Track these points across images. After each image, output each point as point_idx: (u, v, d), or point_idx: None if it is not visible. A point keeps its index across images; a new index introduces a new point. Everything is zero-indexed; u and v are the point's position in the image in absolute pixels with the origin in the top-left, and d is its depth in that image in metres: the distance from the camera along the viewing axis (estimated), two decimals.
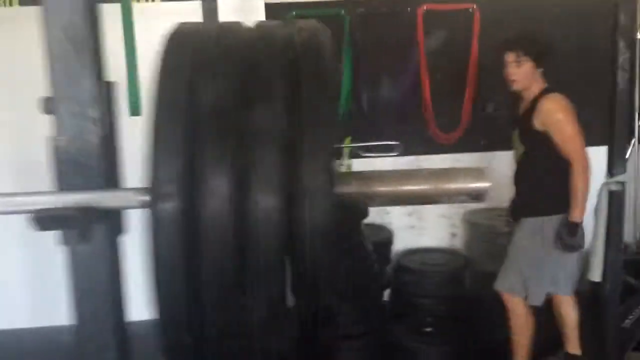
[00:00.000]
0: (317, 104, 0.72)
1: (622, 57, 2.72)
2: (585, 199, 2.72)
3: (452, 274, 3.76)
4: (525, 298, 2.92)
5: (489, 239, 3.83)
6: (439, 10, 3.80)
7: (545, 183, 2.82)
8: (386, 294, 3.87)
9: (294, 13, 3.75)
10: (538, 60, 2.78)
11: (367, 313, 3.46)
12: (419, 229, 4.12)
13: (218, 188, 0.69)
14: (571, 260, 2.85)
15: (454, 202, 0.97)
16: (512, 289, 2.92)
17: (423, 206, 4.11)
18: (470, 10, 3.79)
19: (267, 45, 0.78)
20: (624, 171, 2.78)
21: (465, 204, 4.03)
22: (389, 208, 4.09)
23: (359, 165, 3.90)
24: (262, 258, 0.70)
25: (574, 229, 2.73)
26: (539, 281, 2.86)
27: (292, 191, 0.70)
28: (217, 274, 0.70)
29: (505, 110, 3.94)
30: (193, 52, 0.76)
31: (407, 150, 3.94)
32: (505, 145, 3.95)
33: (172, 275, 0.70)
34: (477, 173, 0.96)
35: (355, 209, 2.87)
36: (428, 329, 3.60)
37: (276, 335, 0.74)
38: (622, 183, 2.78)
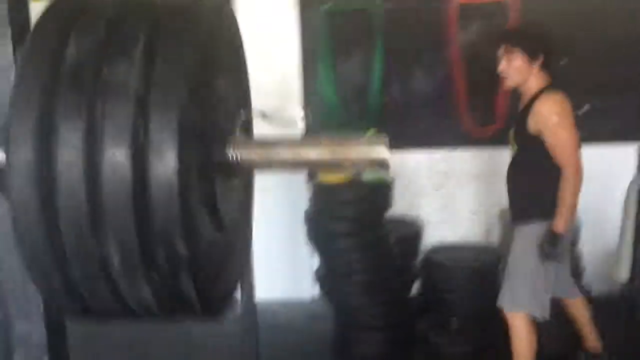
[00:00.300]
0: (170, 60, 0.75)
1: None
2: (572, 210, 2.54)
3: (483, 270, 3.67)
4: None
5: None
6: (473, 2, 3.73)
7: (536, 187, 2.63)
8: (415, 288, 3.84)
9: (327, 6, 3.78)
10: (533, 55, 2.56)
11: (388, 306, 3.44)
12: (451, 224, 4.05)
13: (70, 139, 0.74)
14: (569, 262, 2.71)
15: (354, 170, 0.97)
16: (517, 305, 2.73)
17: (456, 201, 4.04)
18: (506, 2, 3.69)
19: (141, 6, 0.83)
20: None
21: (502, 201, 3.93)
22: (421, 202, 4.06)
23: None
24: (111, 208, 0.74)
25: (555, 239, 2.54)
26: (545, 291, 2.68)
27: (141, 144, 0.74)
28: (71, 222, 0.75)
29: None
30: (65, 12, 0.81)
31: (441, 143, 3.95)
32: None
33: (29, 224, 0.75)
34: (377, 142, 0.96)
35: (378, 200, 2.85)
36: (454, 326, 3.54)
37: (136, 283, 0.78)
38: None
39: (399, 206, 4.00)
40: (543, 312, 2.67)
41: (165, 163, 0.73)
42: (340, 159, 0.96)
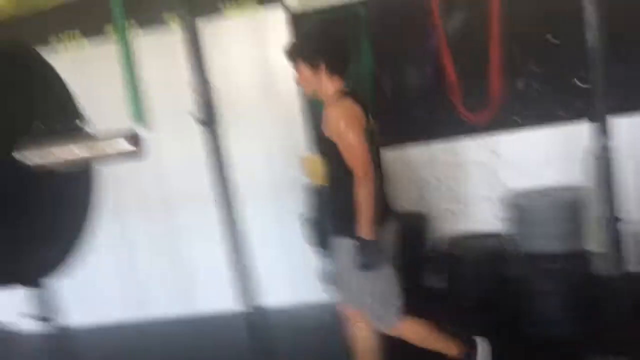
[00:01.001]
0: None
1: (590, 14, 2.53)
2: (369, 214, 2.50)
3: (492, 256, 3.67)
4: None
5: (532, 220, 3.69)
6: None
7: (344, 198, 2.58)
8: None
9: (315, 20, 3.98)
10: (314, 64, 2.64)
11: None
12: (461, 214, 4.08)
13: None
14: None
15: (110, 162, 1.19)
16: (388, 322, 2.83)
17: (466, 190, 4.06)
18: None
19: None
20: (607, 137, 2.58)
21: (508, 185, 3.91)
22: (427, 195, 4.11)
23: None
24: None
25: (364, 245, 2.53)
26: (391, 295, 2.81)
27: None
28: None
29: (539, 85, 3.82)
30: None
31: (440, 134, 4.00)
32: (541, 120, 3.83)
33: None
34: (119, 136, 1.16)
35: None
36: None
37: None
38: (607, 149, 2.59)
39: (405, 201, 4.10)
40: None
41: None
42: (96, 154, 1.19)
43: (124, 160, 1.20)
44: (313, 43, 2.72)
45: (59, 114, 1.34)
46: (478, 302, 3.54)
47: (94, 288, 4.53)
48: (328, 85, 2.67)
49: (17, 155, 1.20)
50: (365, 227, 2.51)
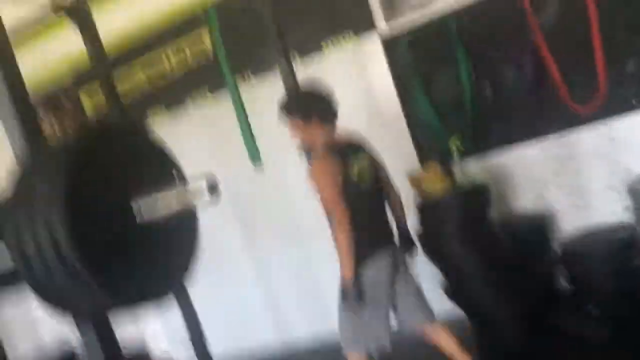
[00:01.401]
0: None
1: None
2: (345, 257, 2.63)
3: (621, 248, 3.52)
4: None
5: None
6: None
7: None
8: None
9: (407, 40, 4.15)
10: (305, 119, 2.79)
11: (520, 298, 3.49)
12: (583, 207, 3.95)
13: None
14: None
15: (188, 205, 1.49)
16: (345, 347, 2.94)
17: (581, 183, 3.93)
18: None
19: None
20: None
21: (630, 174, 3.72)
22: (546, 192, 4.04)
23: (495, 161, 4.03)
24: None
25: (342, 291, 2.71)
26: (363, 330, 2.85)
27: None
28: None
29: None
30: None
31: (550, 129, 3.93)
32: None
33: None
34: (195, 187, 1.45)
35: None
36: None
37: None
38: None
39: (524, 201, 4.07)
40: (369, 350, 2.82)
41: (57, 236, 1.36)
42: (184, 202, 1.49)
43: (207, 206, 1.50)
44: (301, 98, 2.92)
45: (162, 171, 1.68)
46: (609, 298, 3.40)
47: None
48: (319, 136, 2.82)
49: (135, 207, 1.54)
50: (343, 269, 2.66)
